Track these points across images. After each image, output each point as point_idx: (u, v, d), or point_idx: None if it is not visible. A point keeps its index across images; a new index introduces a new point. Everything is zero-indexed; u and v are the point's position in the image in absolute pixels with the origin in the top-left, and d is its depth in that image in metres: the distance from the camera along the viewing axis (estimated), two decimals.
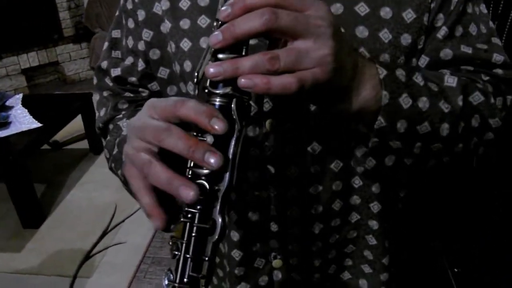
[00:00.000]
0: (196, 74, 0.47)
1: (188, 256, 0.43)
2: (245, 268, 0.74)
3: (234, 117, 0.44)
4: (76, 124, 3.51)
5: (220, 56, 0.44)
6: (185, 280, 0.43)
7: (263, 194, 0.68)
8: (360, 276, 0.77)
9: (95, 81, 0.81)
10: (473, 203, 1.51)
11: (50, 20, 5.42)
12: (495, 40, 0.64)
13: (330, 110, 0.53)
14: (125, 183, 0.66)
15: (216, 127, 0.42)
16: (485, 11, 0.65)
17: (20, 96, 3.43)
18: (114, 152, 0.69)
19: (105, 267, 2.35)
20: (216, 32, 0.42)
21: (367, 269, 0.76)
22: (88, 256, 2.43)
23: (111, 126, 0.75)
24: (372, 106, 0.51)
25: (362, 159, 0.64)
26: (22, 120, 3.01)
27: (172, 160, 0.44)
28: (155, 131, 0.44)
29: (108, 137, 0.74)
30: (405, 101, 0.53)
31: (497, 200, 1.41)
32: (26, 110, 3.14)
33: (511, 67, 0.63)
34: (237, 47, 0.43)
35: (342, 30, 0.50)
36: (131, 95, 0.77)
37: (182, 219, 0.44)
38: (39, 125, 2.91)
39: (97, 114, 0.79)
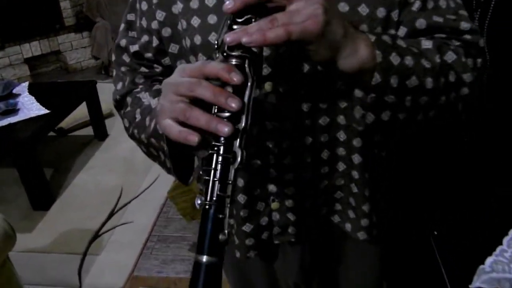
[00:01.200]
0: (216, 42, 0.60)
1: (215, 179, 0.56)
2: (249, 211, 0.87)
3: (247, 71, 0.57)
4: (80, 111, 3.62)
5: (235, 27, 0.57)
6: (214, 198, 0.56)
7: (263, 145, 0.80)
8: (346, 220, 0.90)
9: (113, 58, 0.92)
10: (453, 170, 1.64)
11: (52, 10, 5.47)
12: (462, 12, 0.75)
13: (336, 70, 0.63)
14: (148, 144, 0.78)
15: (234, 79, 0.55)
16: None
17: (27, 84, 3.53)
18: (137, 120, 0.81)
19: (113, 245, 2.48)
20: (228, 2, 0.55)
21: (351, 214, 0.89)
22: (96, 235, 2.56)
23: (129, 99, 0.87)
24: (369, 64, 0.62)
25: (360, 117, 0.75)
26: (30, 107, 3.12)
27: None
28: (188, 85, 0.57)
29: (128, 108, 0.85)
30: (395, 58, 0.64)
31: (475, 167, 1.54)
32: (33, 98, 3.25)
33: (477, 33, 0.75)
34: (247, 20, 0.57)
35: None
36: (146, 70, 0.87)
37: (210, 151, 0.57)
38: (47, 111, 3.02)
39: (115, 88, 0.90)
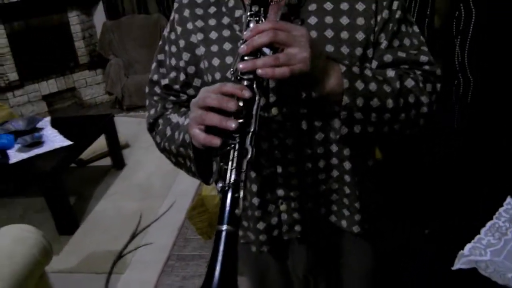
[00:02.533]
0: (232, 69, 0.83)
1: (232, 168, 0.77)
2: (262, 211, 1.06)
3: (255, 90, 0.80)
4: (99, 143, 3.85)
5: (245, 58, 0.80)
6: (231, 182, 0.77)
7: (271, 157, 1.00)
8: (342, 218, 1.09)
9: (147, 89, 1.15)
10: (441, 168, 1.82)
11: (67, 49, 5.76)
12: (423, 48, 0.98)
13: (312, 92, 0.88)
14: (177, 154, 1.00)
15: (246, 94, 0.78)
16: (417, 30, 1.00)
17: (49, 119, 3.78)
18: (168, 135, 1.03)
19: (136, 265, 2.65)
20: (243, 46, 0.79)
21: (346, 212, 1.08)
22: (120, 255, 2.73)
23: (160, 121, 1.09)
24: (337, 89, 0.86)
25: (338, 129, 0.95)
26: (54, 139, 3.34)
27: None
28: (210, 99, 0.80)
29: (160, 127, 1.07)
30: (359, 85, 0.87)
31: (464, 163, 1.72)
32: (56, 131, 3.48)
33: (433, 64, 0.98)
34: (254, 53, 0.80)
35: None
36: (174, 98, 1.10)
37: (228, 148, 0.78)
38: (71, 143, 3.24)
39: (148, 113, 1.12)
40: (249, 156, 0.78)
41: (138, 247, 2.80)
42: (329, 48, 0.93)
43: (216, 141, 0.79)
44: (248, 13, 0.83)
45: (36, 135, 3.34)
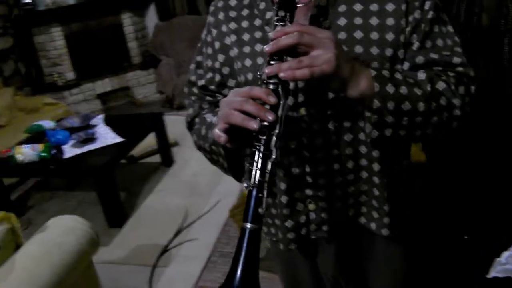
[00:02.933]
0: (259, 74, 0.85)
1: (257, 169, 0.79)
2: (290, 210, 1.07)
3: (280, 94, 0.81)
4: (149, 141, 3.97)
5: (272, 63, 0.82)
6: (256, 182, 0.79)
7: (300, 157, 1.01)
8: (371, 220, 1.08)
9: (185, 90, 1.19)
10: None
11: (121, 50, 5.99)
12: (457, 49, 0.96)
13: (342, 94, 0.87)
14: (210, 152, 1.03)
15: (271, 100, 0.79)
16: (451, 30, 0.97)
17: (102, 116, 3.93)
18: (203, 134, 1.06)
19: (180, 259, 2.72)
20: (268, 45, 0.80)
21: (375, 214, 1.07)
22: (165, 249, 2.81)
23: (197, 120, 1.12)
24: (368, 93, 0.85)
25: (369, 132, 0.94)
26: (106, 136, 3.48)
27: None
28: (239, 102, 0.81)
29: (197, 126, 1.11)
30: (390, 88, 0.86)
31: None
32: (109, 128, 3.62)
33: (467, 65, 0.95)
34: (280, 58, 0.81)
35: (344, 47, 0.87)
36: (211, 98, 1.14)
37: (253, 149, 0.81)
38: (122, 139, 3.37)
39: (187, 113, 1.16)
40: (273, 157, 0.80)
41: (182, 242, 2.87)
42: (358, 49, 0.93)
43: (223, 139, 0.84)
44: (275, 18, 0.84)
45: (90, 131, 3.49)
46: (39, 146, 3.17)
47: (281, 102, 0.82)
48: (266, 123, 0.80)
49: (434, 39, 0.95)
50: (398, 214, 1.07)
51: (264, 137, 0.80)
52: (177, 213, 3.21)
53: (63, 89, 5.57)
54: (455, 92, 0.91)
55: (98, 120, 3.82)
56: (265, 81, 0.82)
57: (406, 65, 0.96)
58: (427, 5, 0.93)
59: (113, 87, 5.95)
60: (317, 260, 1.20)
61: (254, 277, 0.79)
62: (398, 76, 0.88)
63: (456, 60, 0.95)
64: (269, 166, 0.80)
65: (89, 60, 5.77)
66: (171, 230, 3.00)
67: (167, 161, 4.00)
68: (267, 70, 0.80)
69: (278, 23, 0.84)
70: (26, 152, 3.13)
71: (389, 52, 0.94)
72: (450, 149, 2.23)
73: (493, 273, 1.13)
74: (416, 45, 0.94)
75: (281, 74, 0.78)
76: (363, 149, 1.01)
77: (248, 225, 0.79)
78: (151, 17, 6.21)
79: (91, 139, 3.42)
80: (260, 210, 0.79)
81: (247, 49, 1.02)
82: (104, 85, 5.89)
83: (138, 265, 2.72)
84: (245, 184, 0.81)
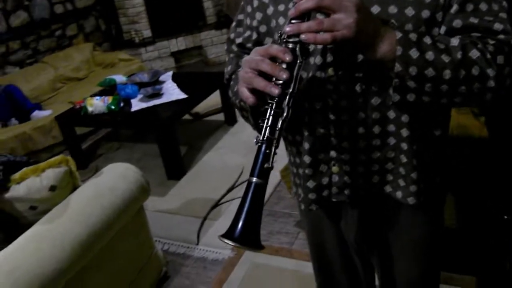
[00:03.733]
0: (279, 32, 0.85)
1: (267, 126, 0.82)
2: (313, 170, 1.07)
3: (297, 54, 0.82)
4: (214, 99, 4.07)
5: (293, 21, 0.82)
6: (265, 139, 0.82)
7: (325, 118, 1.01)
8: (397, 189, 1.05)
9: (225, 47, 1.21)
10: None
11: (196, 10, 6.08)
12: (502, 15, 0.89)
13: (364, 55, 0.87)
14: (240, 108, 1.06)
15: (287, 58, 0.81)
16: None
17: (171, 73, 4.08)
18: (234, 90, 1.08)
19: (230, 214, 2.80)
20: (292, 9, 0.81)
21: (401, 182, 1.04)
22: (217, 204, 2.93)
23: (234, 77, 1.15)
24: (390, 56, 0.83)
25: (392, 95, 0.91)
26: (172, 92, 3.62)
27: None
28: (256, 61, 0.84)
29: (232, 82, 1.13)
30: (414, 53, 0.83)
31: None
32: (175, 84, 3.76)
33: (510, 33, 0.88)
34: (302, 17, 0.81)
35: (377, 7, 0.87)
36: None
37: (266, 106, 0.83)
38: (185, 96, 3.49)
39: (225, 69, 1.19)
40: (284, 115, 0.83)
41: (234, 199, 2.97)
42: (392, 9, 0.90)
43: (251, 100, 0.87)
44: None
45: (157, 87, 3.64)
46: (109, 99, 3.37)
47: (298, 61, 0.83)
48: (280, 82, 0.82)
49: (476, 2, 0.89)
50: (427, 181, 1.05)
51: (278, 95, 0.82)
52: (234, 170, 3.30)
53: (139, 46, 5.80)
54: (491, 61, 0.85)
55: (167, 77, 3.96)
56: (284, 40, 0.83)
57: (443, 29, 0.91)
58: None
59: (187, 45, 6.10)
60: (341, 224, 1.20)
61: (255, 230, 0.83)
62: (427, 40, 0.85)
63: (498, 26, 0.88)
64: (279, 124, 0.83)
65: (165, 19, 5.93)
66: (225, 186, 3.10)
67: (230, 120, 4.10)
68: (287, 29, 0.81)
69: None
70: (96, 104, 3.34)
71: (425, 14, 0.89)
72: None
73: None
74: (455, 7, 0.89)
75: (302, 36, 0.79)
76: (391, 114, 0.98)
77: (254, 179, 0.83)
78: None
79: (158, 94, 3.57)
80: (266, 165, 0.83)
81: (281, 7, 1.02)
82: (178, 43, 6.05)
83: (189, 216, 2.85)
84: (255, 140, 0.84)
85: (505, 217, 1.32)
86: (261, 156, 0.83)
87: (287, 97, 0.82)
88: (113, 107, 3.34)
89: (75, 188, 1.95)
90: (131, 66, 4.90)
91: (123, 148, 3.99)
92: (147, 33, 5.85)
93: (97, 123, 3.69)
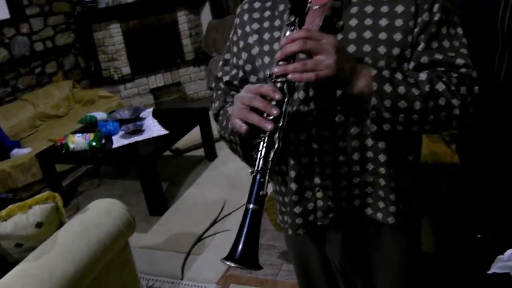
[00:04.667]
0: (268, 73, 0.94)
1: (261, 157, 0.89)
2: (299, 196, 1.14)
3: (284, 92, 0.91)
4: (194, 135, 4.13)
5: (280, 63, 0.91)
6: (259, 169, 0.89)
7: (309, 147, 1.08)
8: (377, 211, 1.13)
9: (213, 84, 1.29)
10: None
11: (175, 46, 6.22)
12: (462, 51, 1.00)
13: (343, 91, 0.95)
14: (229, 141, 1.12)
15: (277, 96, 0.89)
16: (460, 32, 1.02)
17: (151, 109, 4.13)
18: (224, 125, 1.15)
19: (213, 248, 2.84)
20: (279, 52, 0.90)
21: (381, 204, 1.12)
22: (200, 238, 2.94)
23: (221, 112, 1.22)
24: (367, 91, 0.92)
25: (369, 126, 1.00)
26: (153, 128, 3.66)
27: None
28: (249, 98, 0.92)
29: (220, 117, 1.20)
30: (387, 88, 0.92)
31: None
32: (156, 121, 3.81)
33: (469, 66, 0.99)
34: (288, 59, 0.90)
35: (353, 47, 0.97)
36: (234, 93, 1.22)
37: (258, 140, 0.91)
38: (166, 132, 3.54)
39: (213, 105, 1.27)
40: (275, 147, 0.91)
41: (216, 233, 2.99)
42: (367, 48, 0.99)
43: (245, 128, 0.94)
44: (286, 23, 0.94)
45: (139, 123, 3.68)
46: (90, 135, 3.39)
47: (286, 98, 0.91)
48: (271, 117, 0.90)
49: (440, 40, 1.00)
50: (405, 202, 1.13)
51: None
52: (215, 204, 3.34)
53: (119, 83, 5.86)
54: (455, 92, 0.96)
55: (147, 113, 4.01)
56: (273, 79, 0.92)
57: (412, 65, 1.01)
58: (435, 8, 0.99)
59: (165, 82, 6.20)
60: (326, 248, 1.26)
61: (254, 252, 0.90)
62: (399, 76, 0.95)
63: (460, 61, 0.99)
64: (271, 155, 0.91)
65: (144, 56, 6.04)
66: (208, 220, 3.12)
67: (210, 155, 4.15)
68: (275, 69, 0.90)
69: (288, 28, 0.94)
70: (78, 141, 3.36)
71: (396, 51, 0.99)
72: (484, 152, 2.23)
73: (493, 269, 1.16)
74: (422, 45, 1.00)
75: (290, 76, 0.88)
76: (369, 142, 1.07)
77: (251, 206, 0.90)
78: (206, 15, 6.41)
79: (139, 131, 3.61)
80: (261, 193, 0.90)
81: (266, 48, 1.11)
82: (157, 80, 6.14)
83: (173, 251, 2.86)
84: (250, 170, 0.92)
85: (478, 236, 1.40)
86: (256, 185, 0.91)
87: (278, 130, 0.90)
88: (94, 144, 3.36)
89: (61, 224, 1.96)
90: (111, 103, 4.94)
91: (103, 185, 3.99)
92: (126, 70, 5.92)
93: (79, 160, 3.70)
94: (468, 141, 2.22)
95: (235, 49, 1.20)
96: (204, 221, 3.13)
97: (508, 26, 2.01)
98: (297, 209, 1.16)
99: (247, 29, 1.16)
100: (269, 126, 0.89)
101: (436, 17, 0.99)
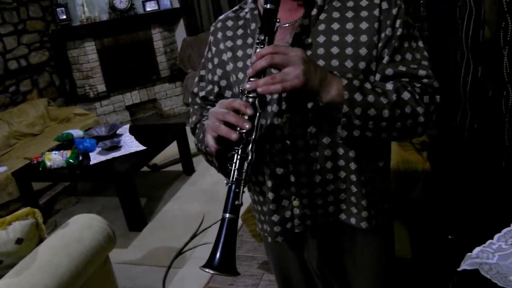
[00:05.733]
0: (240, 88, 0.99)
1: (235, 169, 0.94)
2: (276, 205, 1.19)
3: (256, 106, 0.96)
4: (172, 150, 4.14)
5: (251, 79, 0.96)
6: (234, 179, 0.94)
7: (284, 157, 1.13)
8: (350, 216, 1.18)
9: (189, 100, 1.34)
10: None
11: (150, 64, 6.25)
12: (424, 62, 1.07)
13: (315, 101, 1.01)
14: (206, 153, 1.17)
15: (248, 111, 0.94)
16: (421, 45, 1.09)
17: (128, 126, 4.14)
18: (200, 138, 1.20)
19: (194, 261, 2.85)
20: (249, 69, 0.95)
21: (354, 210, 1.17)
22: (180, 252, 2.95)
23: (198, 125, 1.27)
24: (338, 99, 0.98)
25: (340, 132, 1.05)
26: (130, 144, 3.67)
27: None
28: (221, 113, 0.97)
29: (197, 131, 1.25)
30: (358, 96, 0.98)
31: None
32: (133, 137, 3.82)
33: (431, 77, 1.07)
34: (259, 75, 0.96)
35: (322, 61, 1.03)
36: (210, 107, 1.27)
37: (233, 152, 0.96)
38: (144, 148, 3.55)
39: (190, 120, 1.32)
40: (249, 159, 0.96)
41: (196, 246, 3.01)
42: (335, 62, 1.06)
43: (213, 147, 1.01)
44: (256, 41, 1.00)
45: (115, 140, 3.68)
46: (67, 153, 3.38)
47: (258, 113, 0.96)
48: (244, 131, 0.95)
49: (403, 53, 1.07)
50: (376, 207, 1.19)
51: (242, 142, 0.96)
52: (194, 218, 3.36)
53: (94, 100, 5.84)
54: (419, 101, 1.03)
55: (124, 130, 4.02)
56: (245, 95, 0.97)
57: (378, 77, 1.08)
58: (397, 23, 1.06)
59: (141, 99, 6.21)
60: (304, 253, 1.31)
61: (231, 258, 0.94)
62: (367, 86, 1.01)
63: (422, 72, 1.07)
64: (245, 167, 0.96)
65: (120, 73, 6.05)
66: (188, 234, 3.14)
67: (188, 170, 4.17)
68: (247, 85, 0.95)
69: (258, 46, 0.99)
70: (55, 158, 3.34)
71: (362, 65, 1.06)
72: (453, 159, 2.32)
73: (463, 266, 1.22)
74: (386, 58, 1.07)
75: (259, 89, 0.93)
76: (340, 151, 1.12)
77: (227, 215, 0.95)
78: (180, 32, 6.48)
79: (116, 147, 3.61)
80: (237, 202, 0.95)
81: (240, 64, 1.17)
82: (133, 97, 6.15)
83: (153, 266, 2.87)
84: (225, 181, 0.97)
85: (449, 237, 1.46)
86: (232, 195, 0.96)
87: (251, 143, 0.96)
88: (72, 161, 3.35)
89: (41, 240, 1.96)
90: (87, 121, 4.92)
91: (81, 202, 3.96)
92: (102, 87, 5.92)
93: (56, 178, 3.68)
94: (438, 148, 2.31)
95: (210, 66, 1.25)
96: (184, 235, 3.14)
97: (472, 36, 2.11)
98: (275, 218, 1.20)
99: (221, 46, 1.21)
100: (234, 136, 0.94)
101: (398, 32, 1.06)
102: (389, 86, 1.03)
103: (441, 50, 2.38)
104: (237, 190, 0.95)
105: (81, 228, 2.04)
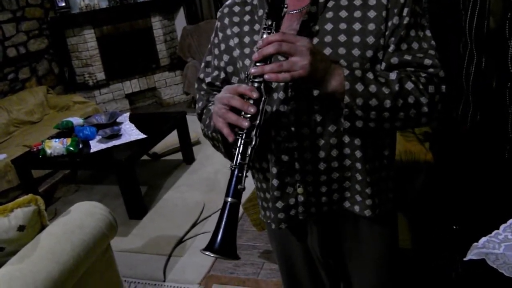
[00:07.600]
0: (246, 73, 0.99)
1: (239, 153, 0.94)
2: (281, 192, 1.19)
3: (262, 91, 0.96)
4: (172, 139, 4.14)
5: (257, 64, 0.96)
6: (237, 164, 0.94)
7: (289, 145, 1.13)
8: (354, 204, 1.18)
9: (196, 85, 1.33)
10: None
11: (149, 52, 6.22)
12: (430, 52, 1.06)
13: (318, 90, 1.01)
14: (212, 138, 1.17)
15: (254, 95, 0.94)
16: (429, 34, 1.08)
17: (128, 114, 4.12)
18: (207, 123, 1.19)
19: (194, 250, 2.86)
20: (255, 54, 0.94)
21: (358, 198, 1.17)
22: (181, 240, 2.96)
23: (205, 111, 1.26)
24: (340, 90, 0.98)
25: (343, 122, 1.05)
26: (131, 132, 3.66)
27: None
28: (227, 98, 0.97)
29: (204, 116, 1.24)
30: (359, 87, 0.98)
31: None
32: (133, 125, 3.81)
33: (437, 66, 1.05)
34: (265, 60, 0.95)
35: (329, 49, 1.02)
36: (216, 93, 1.26)
37: (237, 137, 0.95)
38: (145, 136, 3.54)
39: (196, 106, 1.31)
40: (253, 143, 0.96)
41: (197, 235, 3.02)
42: (342, 50, 1.05)
43: (232, 137, 0.98)
44: (263, 26, 0.99)
45: (115, 128, 3.67)
46: (67, 140, 3.37)
47: (263, 97, 0.96)
48: (248, 115, 0.94)
49: (409, 42, 1.06)
50: (380, 196, 1.19)
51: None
52: (195, 207, 3.36)
53: (93, 88, 5.82)
54: (424, 91, 1.02)
55: (124, 118, 4.01)
56: (251, 80, 0.97)
57: (383, 65, 1.07)
58: (405, 12, 1.05)
59: (141, 87, 6.20)
60: (307, 241, 1.31)
61: (232, 242, 0.95)
62: (370, 75, 1.00)
63: (428, 61, 1.06)
64: (249, 151, 0.96)
65: (119, 61, 6.02)
66: (188, 223, 3.15)
67: (188, 159, 4.17)
68: (252, 70, 0.95)
69: (265, 31, 0.99)
70: (55, 146, 3.33)
71: (369, 53, 1.05)
72: (456, 150, 2.32)
73: (469, 256, 1.22)
74: (392, 47, 1.06)
75: (266, 76, 0.92)
76: (346, 139, 1.12)
77: (229, 199, 0.95)
78: (180, 21, 6.44)
79: (116, 135, 3.60)
80: (239, 186, 0.95)
81: (247, 50, 1.16)
82: (133, 85, 6.13)
83: (154, 254, 2.87)
84: (229, 165, 0.97)
85: (454, 227, 1.46)
86: (234, 179, 0.96)
87: (255, 128, 0.95)
88: (72, 149, 3.34)
89: (43, 227, 1.96)
90: (86, 109, 4.90)
91: (81, 190, 3.96)
92: (101, 75, 5.89)
93: (56, 165, 3.67)
94: (441, 139, 2.30)
95: (216, 51, 1.24)
96: (184, 223, 3.15)
97: (476, 27, 2.10)
98: (279, 204, 1.20)
99: (228, 32, 1.20)
100: (245, 124, 0.94)
101: (405, 21, 1.05)
102: (393, 75, 1.02)
103: (443, 41, 2.36)
104: (240, 174, 0.95)
105: (83, 216, 2.03)
